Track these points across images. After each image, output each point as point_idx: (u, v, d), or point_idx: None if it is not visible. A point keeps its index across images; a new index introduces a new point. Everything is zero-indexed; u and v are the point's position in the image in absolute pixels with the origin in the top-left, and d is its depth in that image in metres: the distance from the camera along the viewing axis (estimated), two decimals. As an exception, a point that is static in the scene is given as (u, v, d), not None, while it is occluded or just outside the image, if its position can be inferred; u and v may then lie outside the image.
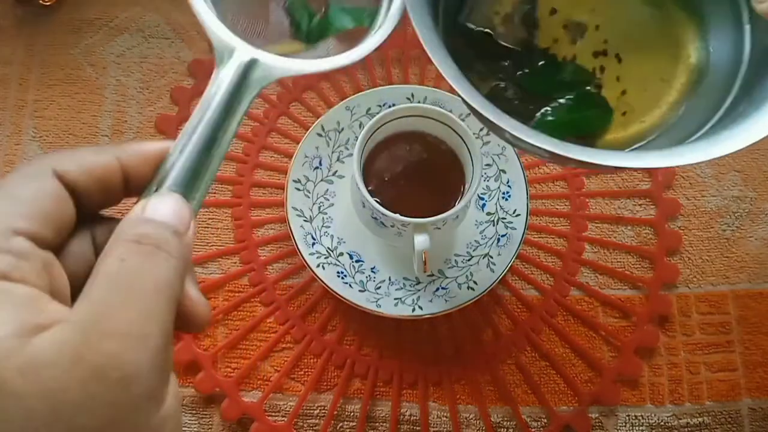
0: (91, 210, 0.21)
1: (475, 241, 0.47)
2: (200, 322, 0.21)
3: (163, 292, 0.18)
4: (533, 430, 0.45)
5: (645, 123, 0.29)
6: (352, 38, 0.28)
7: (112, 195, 0.21)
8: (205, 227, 0.48)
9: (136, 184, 0.21)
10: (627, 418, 0.46)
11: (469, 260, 0.46)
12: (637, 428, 0.45)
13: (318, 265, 0.45)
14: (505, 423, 0.45)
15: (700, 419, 0.46)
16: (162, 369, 0.17)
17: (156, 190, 0.21)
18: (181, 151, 0.21)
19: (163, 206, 0.20)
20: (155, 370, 0.17)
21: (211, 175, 0.22)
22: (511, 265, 0.45)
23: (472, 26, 0.29)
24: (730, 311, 0.48)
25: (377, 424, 0.45)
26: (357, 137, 0.41)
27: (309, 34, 0.29)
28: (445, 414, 0.45)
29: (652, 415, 0.46)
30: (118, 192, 0.21)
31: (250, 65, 0.23)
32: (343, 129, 0.48)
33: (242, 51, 0.24)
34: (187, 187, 0.21)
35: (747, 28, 0.27)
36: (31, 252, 0.18)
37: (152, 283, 0.18)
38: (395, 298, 0.45)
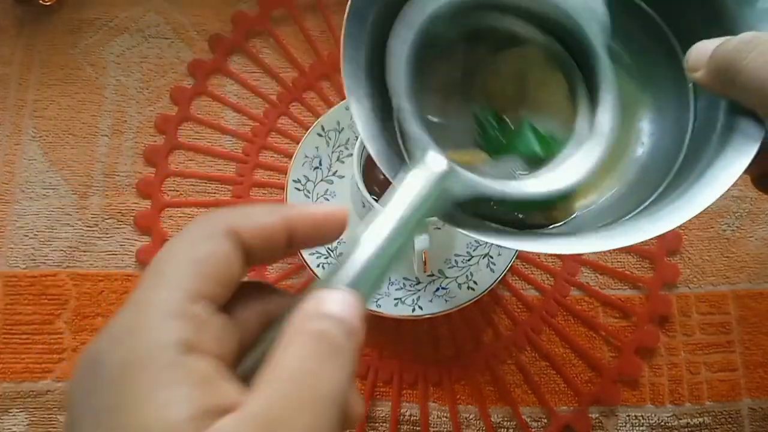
0: (251, 266, 0.21)
1: (475, 241, 0.47)
2: (352, 423, 0.20)
3: (337, 400, 0.17)
4: (533, 430, 0.45)
5: (587, 200, 0.28)
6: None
7: (275, 254, 0.21)
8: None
9: (297, 245, 0.21)
10: (627, 418, 0.46)
11: (469, 260, 0.46)
12: (637, 428, 0.45)
13: (318, 265, 0.45)
14: (505, 423, 0.45)
15: (700, 419, 0.46)
16: None
17: (332, 279, 0.20)
18: (366, 248, 0.20)
19: (343, 303, 0.19)
20: None
21: (386, 278, 0.20)
22: (511, 265, 0.45)
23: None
24: (730, 311, 0.48)
25: (377, 424, 0.45)
26: (357, 137, 0.41)
27: (495, 146, 0.26)
28: (445, 414, 0.45)
29: (652, 415, 0.46)
30: (281, 251, 0.21)
31: (446, 177, 0.21)
32: (343, 129, 0.48)
33: (438, 158, 0.21)
34: (366, 288, 0.20)
35: (692, 102, 0.27)
36: (211, 318, 0.18)
37: (329, 390, 0.17)
38: (395, 298, 0.45)
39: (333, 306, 0.19)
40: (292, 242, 0.21)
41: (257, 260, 0.20)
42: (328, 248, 0.46)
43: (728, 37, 0.24)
